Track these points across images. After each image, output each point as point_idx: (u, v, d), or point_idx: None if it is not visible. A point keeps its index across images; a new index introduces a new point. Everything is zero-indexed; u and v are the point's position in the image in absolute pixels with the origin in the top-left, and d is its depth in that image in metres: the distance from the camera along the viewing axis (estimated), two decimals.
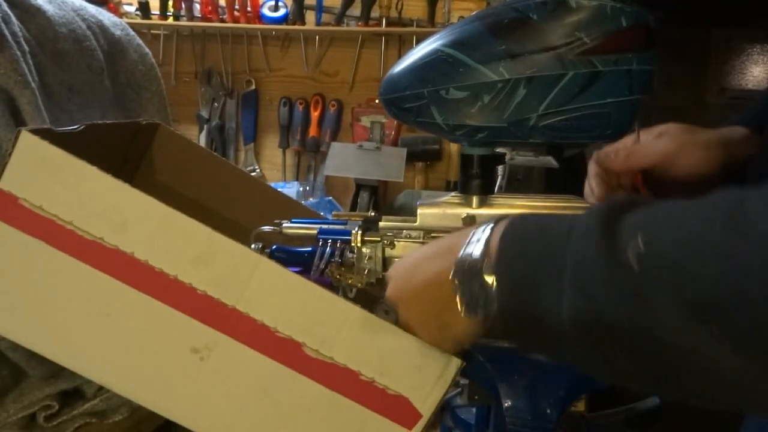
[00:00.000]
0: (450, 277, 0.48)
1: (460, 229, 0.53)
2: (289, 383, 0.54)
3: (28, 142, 0.52)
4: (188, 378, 0.55)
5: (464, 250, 0.47)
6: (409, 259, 0.54)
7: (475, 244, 0.47)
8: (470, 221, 0.60)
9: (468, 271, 0.46)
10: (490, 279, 0.45)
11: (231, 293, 0.53)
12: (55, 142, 0.53)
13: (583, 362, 0.42)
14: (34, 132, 0.53)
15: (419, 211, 0.61)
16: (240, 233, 0.63)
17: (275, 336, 0.53)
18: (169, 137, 0.92)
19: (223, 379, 0.55)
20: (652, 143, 0.67)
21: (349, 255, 0.62)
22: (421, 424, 0.53)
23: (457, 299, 0.47)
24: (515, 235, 0.45)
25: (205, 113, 2.33)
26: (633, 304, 0.37)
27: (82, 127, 0.64)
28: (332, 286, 0.62)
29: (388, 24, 2.15)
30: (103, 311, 0.54)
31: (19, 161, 0.53)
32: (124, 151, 0.86)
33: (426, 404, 0.53)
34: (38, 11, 0.85)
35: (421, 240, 0.60)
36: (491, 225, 0.47)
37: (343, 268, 0.61)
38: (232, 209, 0.91)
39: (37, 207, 0.53)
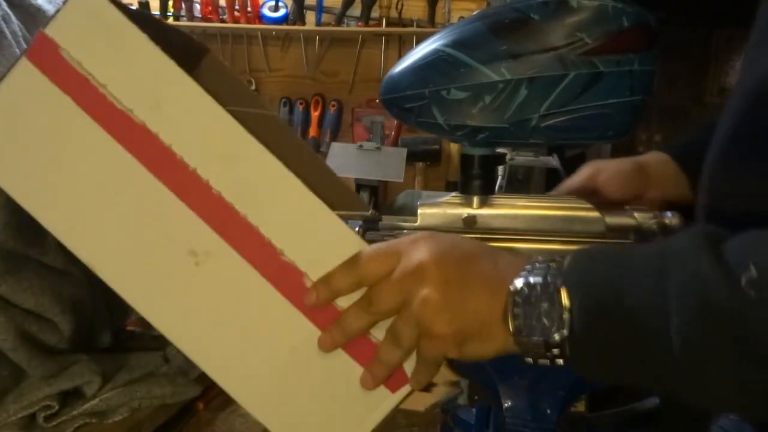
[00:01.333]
0: (508, 293, 0.43)
1: (509, 251, 0.49)
2: (281, 314, 0.50)
3: None
4: (178, 280, 0.51)
5: (527, 274, 0.44)
6: (449, 242, 0.48)
7: (540, 269, 0.44)
8: (471, 221, 0.60)
9: (533, 293, 0.43)
10: (565, 301, 0.41)
11: (246, 201, 0.50)
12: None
13: (689, 384, 0.40)
14: None
15: (420, 211, 0.61)
16: None
17: (279, 259, 0.50)
18: (216, 67, 0.83)
19: (214, 290, 0.51)
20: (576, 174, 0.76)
21: None
22: (405, 390, 0.50)
23: (510, 320, 0.43)
24: (592, 258, 0.43)
25: None
26: (758, 320, 0.37)
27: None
28: None
29: (388, 24, 2.15)
30: (113, 188, 0.51)
31: (70, 11, 0.49)
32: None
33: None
34: (38, 11, 0.85)
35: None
36: (556, 258, 0.44)
37: None
38: None
39: (76, 61, 0.49)
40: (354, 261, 0.49)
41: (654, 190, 0.74)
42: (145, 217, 0.51)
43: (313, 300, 0.49)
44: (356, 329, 0.49)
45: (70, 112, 0.50)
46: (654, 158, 0.77)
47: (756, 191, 0.46)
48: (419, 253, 0.47)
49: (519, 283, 0.43)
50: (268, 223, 0.50)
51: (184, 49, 0.78)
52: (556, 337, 0.42)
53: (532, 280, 0.43)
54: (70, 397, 0.71)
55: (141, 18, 0.55)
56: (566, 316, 0.41)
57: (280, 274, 0.50)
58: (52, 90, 0.49)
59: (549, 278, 0.43)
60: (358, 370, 0.50)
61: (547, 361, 0.43)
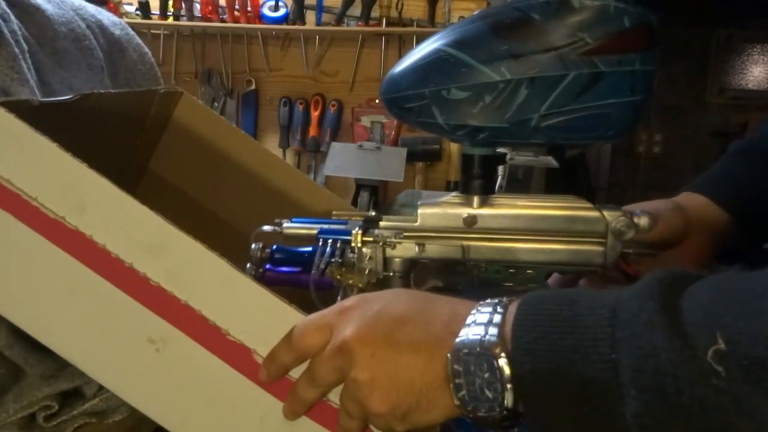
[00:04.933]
0: (446, 361, 0.41)
1: (448, 300, 0.46)
2: (241, 389, 0.52)
3: None
4: (145, 367, 0.53)
5: (465, 335, 0.41)
6: (378, 307, 0.46)
7: (480, 327, 0.40)
8: (471, 221, 0.60)
9: (472, 361, 0.39)
10: (507, 373, 0.38)
11: (183, 288, 0.52)
12: (35, 114, 0.52)
13: None
14: (6, 104, 0.52)
15: (420, 211, 0.61)
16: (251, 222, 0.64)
17: (227, 339, 0.52)
18: (192, 106, 0.90)
19: (179, 373, 0.53)
20: None
21: (350, 255, 0.61)
22: None
23: (452, 389, 0.40)
24: (535, 316, 0.39)
25: None
26: (730, 408, 0.32)
27: (77, 97, 0.63)
28: (333, 287, 0.61)
29: (388, 24, 2.15)
30: (67, 290, 0.53)
31: None
32: (141, 120, 0.85)
33: None
34: (37, 10, 0.85)
35: (419, 242, 0.60)
36: (499, 306, 0.41)
37: (343, 269, 0.61)
38: (254, 192, 0.89)
39: (5, 180, 0.52)
40: (289, 337, 0.49)
41: (697, 237, 0.67)
42: (102, 313, 0.53)
43: (265, 377, 0.50)
44: (310, 399, 0.49)
45: (15, 228, 0.53)
46: (689, 200, 0.69)
47: None
48: (345, 328, 0.45)
49: (457, 348, 0.41)
50: (208, 306, 0.52)
51: (154, 103, 0.83)
52: (502, 411, 0.39)
53: (470, 343, 0.40)
54: (70, 397, 0.71)
55: (88, 102, 0.58)
56: (509, 386, 0.39)
57: (232, 352, 0.52)
58: None
59: (489, 340, 0.39)
60: None
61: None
